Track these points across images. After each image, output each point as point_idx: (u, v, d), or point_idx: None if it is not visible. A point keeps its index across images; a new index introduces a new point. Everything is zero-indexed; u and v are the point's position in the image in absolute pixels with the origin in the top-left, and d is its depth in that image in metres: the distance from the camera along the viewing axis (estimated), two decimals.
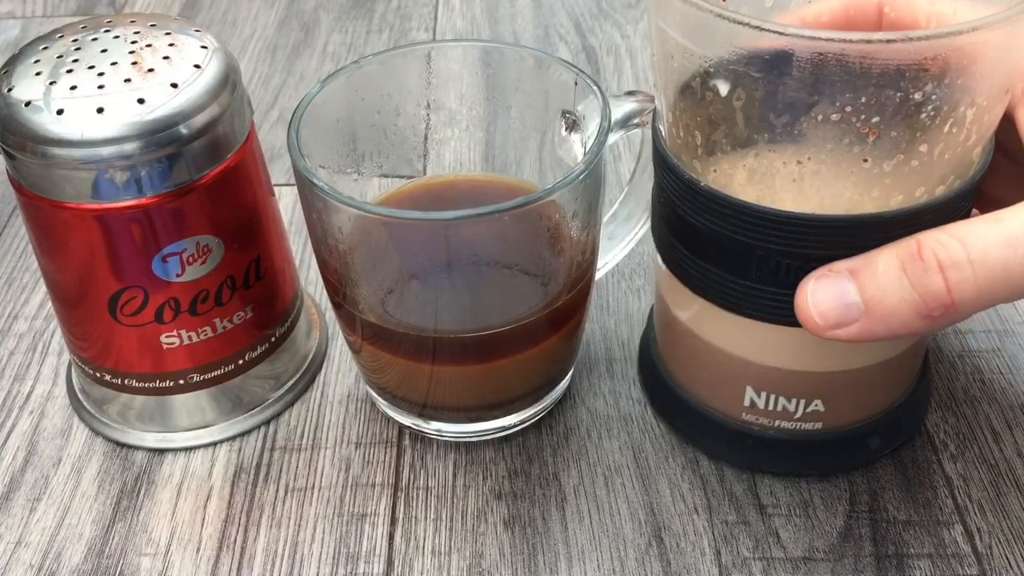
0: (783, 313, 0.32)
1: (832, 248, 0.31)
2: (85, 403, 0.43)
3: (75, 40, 0.37)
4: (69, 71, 0.35)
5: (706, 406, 0.38)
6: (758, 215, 0.31)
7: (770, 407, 0.37)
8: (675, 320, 0.38)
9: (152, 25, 0.37)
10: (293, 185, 0.47)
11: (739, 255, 0.33)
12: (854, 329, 0.30)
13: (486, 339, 0.37)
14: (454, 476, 0.40)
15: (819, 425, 0.37)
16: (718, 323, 0.36)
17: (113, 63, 0.35)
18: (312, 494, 0.39)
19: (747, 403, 0.37)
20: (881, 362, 0.36)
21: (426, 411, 0.40)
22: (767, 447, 0.38)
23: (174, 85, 0.35)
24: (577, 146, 0.39)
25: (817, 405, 0.36)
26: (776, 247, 0.32)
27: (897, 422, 0.39)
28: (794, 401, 0.36)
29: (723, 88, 0.31)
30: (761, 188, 0.31)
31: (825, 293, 0.30)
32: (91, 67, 0.35)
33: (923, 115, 0.29)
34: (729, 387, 0.37)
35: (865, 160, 0.30)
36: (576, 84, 0.38)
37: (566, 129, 0.39)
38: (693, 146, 0.33)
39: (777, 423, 0.37)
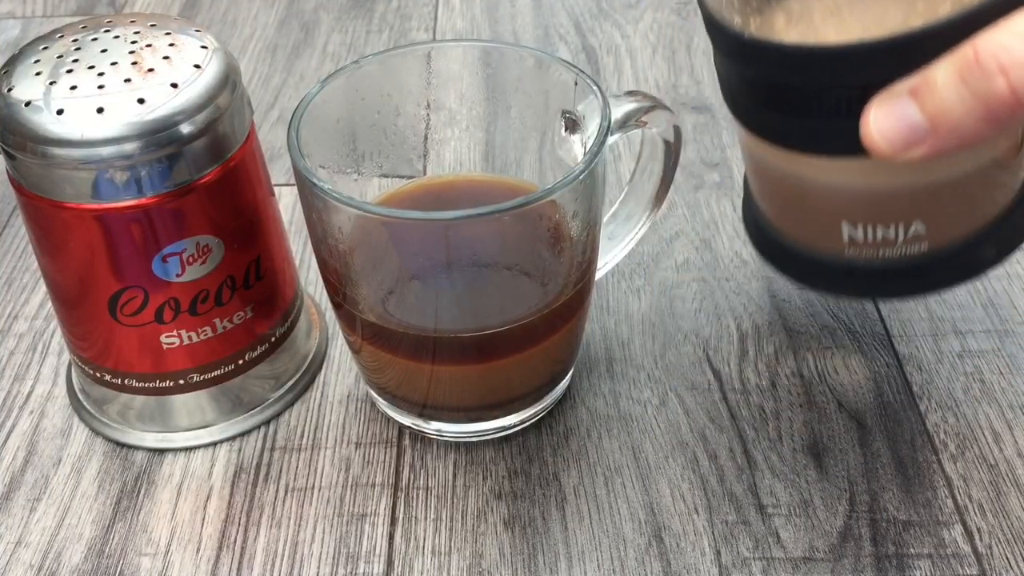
0: (853, 146, 0.31)
1: (886, 73, 0.30)
2: (85, 403, 0.43)
3: (75, 40, 0.37)
4: (69, 71, 0.35)
5: (810, 249, 0.37)
6: (803, 54, 0.30)
7: (870, 238, 0.35)
8: (759, 168, 0.37)
9: (152, 25, 0.37)
10: (293, 185, 0.47)
11: (796, 98, 0.32)
12: (923, 148, 0.29)
13: (486, 339, 0.37)
14: (454, 476, 0.40)
15: (924, 246, 0.35)
16: (796, 165, 0.35)
17: (113, 63, 0.35)
18: (312, 494, 0.40)
19: (847, 239, 0.35)
20: (977, 168, 0.34)
21: (426, 411, 0.40)
22: (877, 277, 0.36)
23: (174, 85, 0.35)
24: (577, 146, 0.39)
25: (917, 227, 0.35)
26: (830, 83, 0.31)
27: (1011, 228, 0.36)
28: (892, 227, 0.35)
29: None
30: (802, 28, 0.31)
31: (888, 118, 0.29)
32: (91, 67, 0.35)
33: None
34: (825, 226, 0.36)
35: None
36: (576, 84, 0.38)
37: (566, 129, 0.39)
38: (731, 1, 0.32)
39: (882, 252, 0.35)
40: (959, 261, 0.36)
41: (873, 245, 0.35)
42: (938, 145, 0.29)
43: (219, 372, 0.40)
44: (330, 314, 0.46)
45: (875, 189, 0.34)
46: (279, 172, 0.54)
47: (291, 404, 0.43)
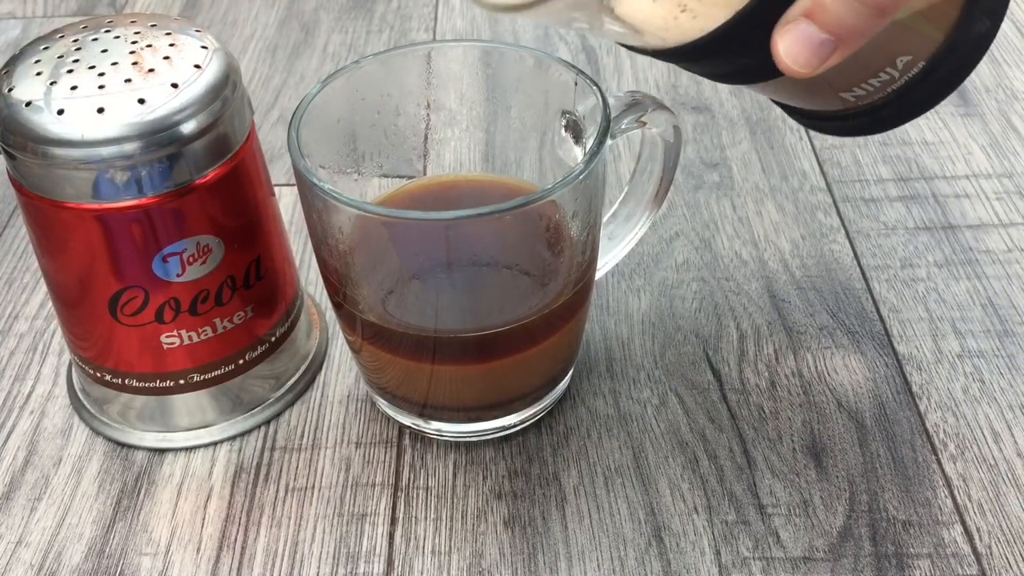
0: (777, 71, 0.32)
1: (761, 17, 0.31)
2: (85, 403, 0.43)
3: (76, 40, 0.37)
4: (70, 71, 0.35)
5: (835, 116, 0.38)
6: (703, 42, 0.32)
7: (870, 90, 0.36)
8: (758, 90, 0.38)
9: (152, 25, 0.37)
10: (293, 185, 0.47)
11: (720, 49, 0.33)
12: (836, 56, 0.31)
13: (486, 339, 0.37)
14: (454, 476, 0.40)
15: (921, 64, 0.36)
16: (771, 85, 0.36)
17: (114, 63, 0.36)
18: (312, 494, 0.40)
19: (852, 100, 0.37)
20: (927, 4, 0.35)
21: (426, 411, 0.40)
22: (902, 106, 0.37)
23: (174, 85, 0.35)
24: (577, 146, 0.39)
25: (903, 60, 0.35)
26: (730, 50, 0.32)
27: None
28: (883, 75, 0.36)
29: None
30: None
31: (794, 44, 0.31)
32: (92, 67, 0.35)
33: None
34: (830, 99, 0.37)
35: None
36: (576, 84, 0.38)
37: (566, 129, 0.39)
38: None
39: (889, 91, 0.36)
40: (961, 52, 0.36)
41: (877, 91, 0.36)
42: (847, 49, 0.31)
43: (219, 372, 0.40)
44: (330, 314, 0.46)
45: (839, 69, 0.34)
46: (279, 172, 0.54)
47: (291, 404, 0.43)
